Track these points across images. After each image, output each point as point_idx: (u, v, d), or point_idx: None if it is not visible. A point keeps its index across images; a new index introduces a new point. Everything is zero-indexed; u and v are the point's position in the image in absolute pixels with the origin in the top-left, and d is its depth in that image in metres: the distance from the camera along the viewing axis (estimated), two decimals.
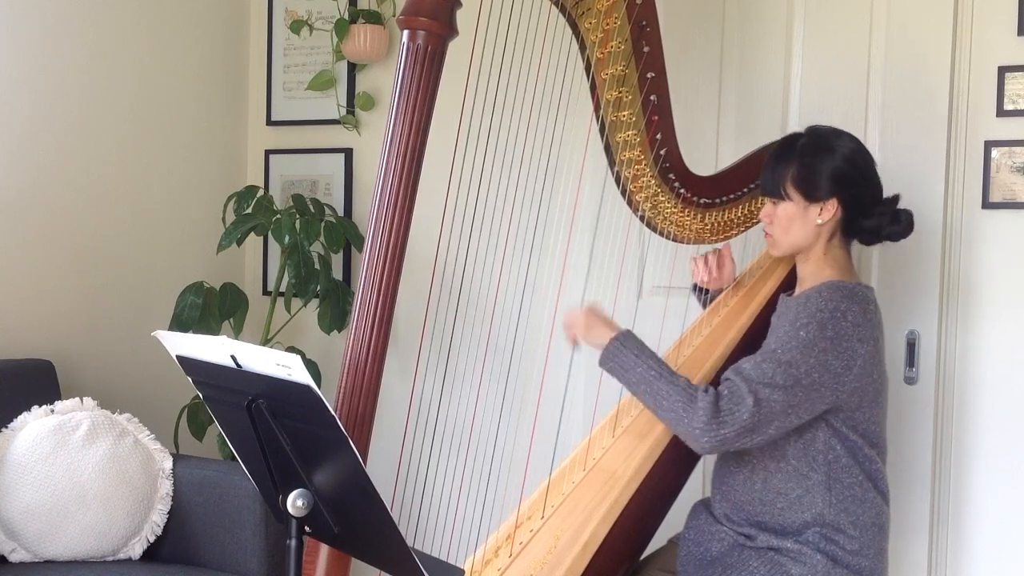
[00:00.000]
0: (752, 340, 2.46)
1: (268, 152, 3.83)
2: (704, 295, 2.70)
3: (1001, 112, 2.82)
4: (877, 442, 2.31)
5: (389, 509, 1.69)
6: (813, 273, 2.35)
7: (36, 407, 2.87)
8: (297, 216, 3.42)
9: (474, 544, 2.37)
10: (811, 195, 2.30)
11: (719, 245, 2.72)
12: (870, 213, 2.34)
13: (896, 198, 2.39)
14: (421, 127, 2.08)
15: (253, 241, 3.76)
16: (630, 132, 2.44)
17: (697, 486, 2.82)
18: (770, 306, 2.49)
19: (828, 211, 2.31)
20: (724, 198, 2.58)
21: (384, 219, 2.08)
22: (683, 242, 2.65)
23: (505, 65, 2.24)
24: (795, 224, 2.32)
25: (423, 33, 2.07)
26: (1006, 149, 2.82)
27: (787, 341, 2.19)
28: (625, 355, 2.26)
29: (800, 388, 2.16)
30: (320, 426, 1.69)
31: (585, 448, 2.41)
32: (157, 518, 2.89)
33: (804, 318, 2.21)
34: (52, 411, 2.87)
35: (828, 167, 2.30)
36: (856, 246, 2.74)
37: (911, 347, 2.89)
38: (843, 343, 2.18)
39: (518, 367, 2.87)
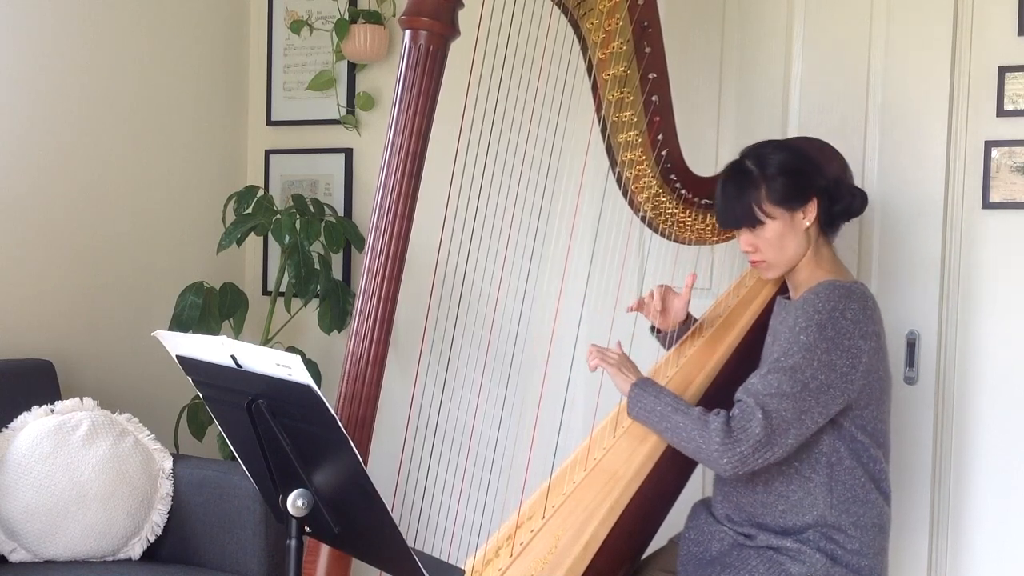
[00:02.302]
0: (750, 344, 2.46)
1: (268, 152, 3.83)
2: (659, 333, 2.66)
3: (1001, 112, 2.82)
4: (883, 441, 2.31)
5: (389, 509, 1.69)
6: (807, 277, 2.35)
7: (36, 407, 2.87)
8: (297, 216, 3.42)
9: (474, 545, 2.37)
10: (792, 203, 2.30)
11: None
12: (838, 196, 2.36)
13: (843, 177, 2.41)
14: (422, 132, 2.09)
15: (253, 241, 3.76)
16: (632, 133, 2.44)
17: (697, 486, 2.82)
18: (768, 310, 2.49)
19: (811, 212, 2.32)
20: None
21: (384, 226, 2.08)
22: (684, 243, 2.65)
23: (506, 67, 2.24)
24: (787, 239, 2.31)
25: (425, 33, 2.07)
26: (1006, 149, 2.82)
27: (789, 347, 2.19)
28: (644, 399, 2.29)
29: (808, 392, 2.16)
30: (320, 426, 1.69)
31: (586, 448, 2.41)
32: (157, 518, 2.89)
33: (803, 321, 2.21)
34: (52, 411, 2.87)
35: (790, 171, 2.31)
36: (852, 245, 2.74)
37: (911, 347, 2.89)
38: (845, 341, 2.18)
39: (518, 370, 2.87)
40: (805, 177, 2.32)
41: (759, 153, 2.35)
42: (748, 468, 2.17)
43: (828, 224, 2.37)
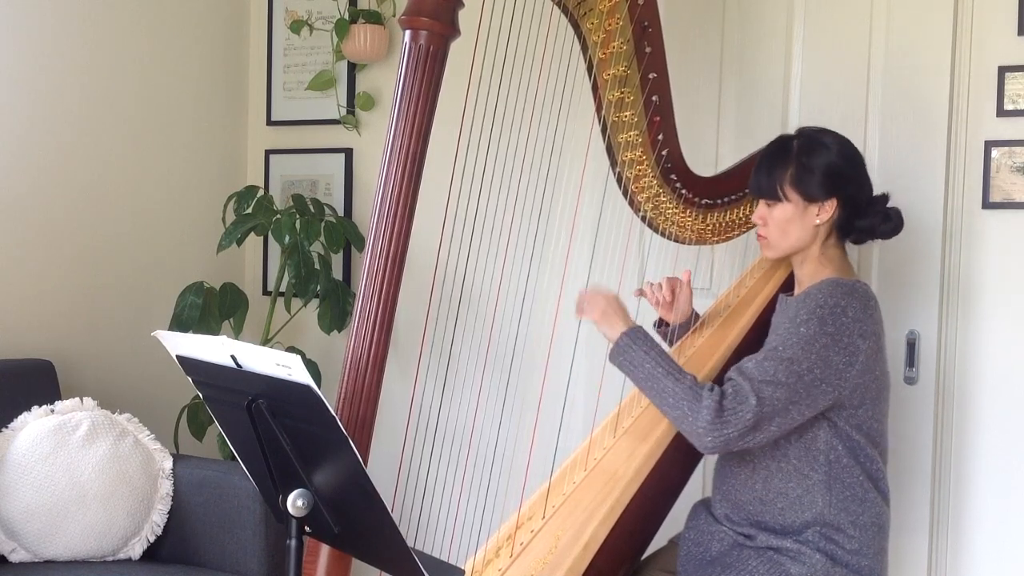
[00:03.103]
0: (752, 342, 2.46)
1: (268, 152, 3.83)
2: (664, 327, 2.66)
3: (1001, 112, 2.82)
4: (879, 441, 2.31)
5: (389, 510, 1.69)
6: (811, 273, 2.35)
7: (36, 407, 2.87)
8: (297, 216, 3.42)
9: (474, 545, 2.37)
10: (810, 195, 2.30)
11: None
12: (865, 212, 2.35)
13: (886, 196, 2.39)
14: (422, 131, 2.08)
15: (253, 241, 3.76)
16: (632, 133, 2.44)
17: (697, 486, 2.82)
18: (770, 308, 2.49)
19: (827, 211, 2.31)
20: (726, 199, 2.58)
21: (384, 226, 2.08)
22: (684, 243, 2.65)
23: (507, 67, 2.24)
24: (793, 225, 2.31)
25: (425, 33, 2.07)
26: (1006, 149, 2.82)
27: (788, 338, 2.19)
28: (634, 351, 2.27)
29: (802, 384, 2.16)
30: (320, 426, 1.69)
31: (586, 449, 2.41)
32: (157, 518, 2.89)
33: (804, 314, 2.21)
34: (52, 411, 2.87)
35: (825, 166, 2.30)
36: (851, 246, 2.74)
37: (911, 347, 2.89)
38: (844, 338, 2.18)
39: (518, 371, 2.87)
40: (838, 179, 2.30)
41: (812, 139, 2.34)
42: (727, 450, 2.20)
43: (846, 232, 2.36)
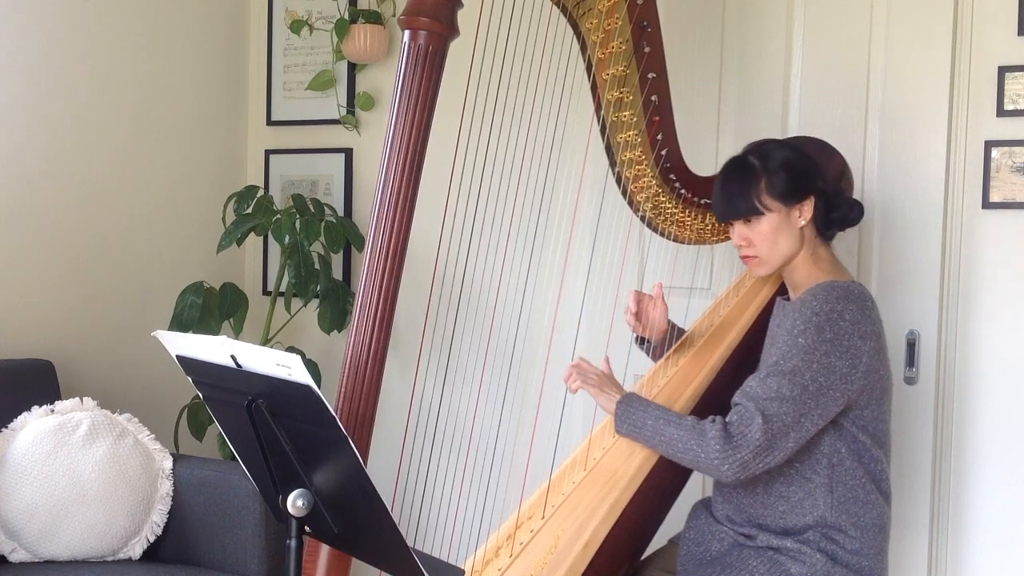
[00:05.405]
0: (750, 346, 2.46)
1: (268, 152, 3.83)
2: (643, 344, 2.66)
3: (1001, 112, 2.82)
4: (884, 441, 2.31)
5: (389, 509, 1.69)
6: (805, 278, 2.34)
7: (36, 407, 2.87)
8: (297, 216, 3.42)
9: (474, 545, 2.37)
10: (790, 198, 2.30)
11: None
12: (835, 204, 2.37)
13: (842, 185, 2.43)
14: (422, 130, 2.08)
15: (253, 241, 3.76)
16: (631, 132, 2.44)
17: (697, 486, 2.82)
18: (766, 312, 2.48)
19: (807, 210, 2.32)
20: None
21: (384, 223, 2.08)
22: (684, 242, 2.65)
23: (506, 67, 2.24)
24: (781, 234, 2.31)
25: (424, 33, 2.07)
26: (1006, 149, 2.82)
27: (787, 351, 2.19)
28: (632, 415, 2.28)
29: (808, 395, 2.16)
30: (320, 426, 1.69)
31: (586, 448, 2.41)
32: (157, 518, 2.89)
33: (801, 324, 2.20)
34: (52, 411, 2.87)
35: (791, 166, 2.31)
36: (851, 246, 2.73)
37: (911, 347, 2.89)
38: (844, 342, 2.18)
39: (518, 369, 2.87)
40: (806, 176, 2.33)
41: (762, 150, 2.36)
42: (749, 473, 2.17)
43: (825, 228, 2.37)
